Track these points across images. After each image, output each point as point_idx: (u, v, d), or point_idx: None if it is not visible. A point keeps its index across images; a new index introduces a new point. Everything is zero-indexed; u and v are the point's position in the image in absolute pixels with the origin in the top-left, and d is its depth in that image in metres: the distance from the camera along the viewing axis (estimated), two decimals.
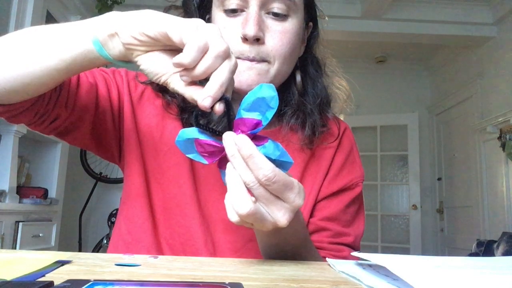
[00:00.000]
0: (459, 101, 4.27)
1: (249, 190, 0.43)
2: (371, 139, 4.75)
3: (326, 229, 0.69)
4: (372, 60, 4.76)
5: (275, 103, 0.45)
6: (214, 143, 0.47)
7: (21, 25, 2.26)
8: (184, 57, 0.42)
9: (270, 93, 0.44)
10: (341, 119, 0.80)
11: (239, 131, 0.45)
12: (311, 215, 0.70)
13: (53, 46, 0.51)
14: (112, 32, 0.47)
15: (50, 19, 2.60)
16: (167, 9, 0.71)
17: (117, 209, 3.12)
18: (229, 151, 0.43)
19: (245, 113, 0.45)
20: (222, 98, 0.44)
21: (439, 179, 4.63)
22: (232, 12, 0.63)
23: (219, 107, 0.44)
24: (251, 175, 0.42)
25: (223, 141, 0.44)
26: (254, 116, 0.45)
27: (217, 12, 0.66)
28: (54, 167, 2.73)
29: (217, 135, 0.47)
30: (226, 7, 0.63)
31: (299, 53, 0.72)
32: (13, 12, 2.22)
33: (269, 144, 0.45)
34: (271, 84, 0.45)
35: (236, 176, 0.43)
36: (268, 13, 0.63)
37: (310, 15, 0.73)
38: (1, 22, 2.17)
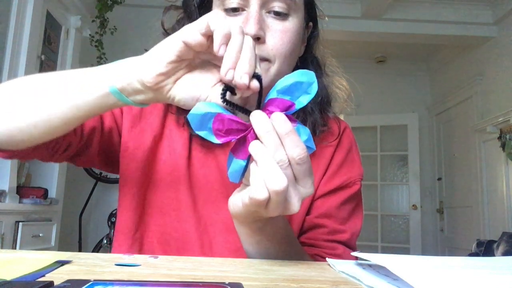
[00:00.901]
0: (459, 101, 4.27)
1: None
2: (371, 139, 4.75)
3: (322, 226, 0.69)
4: (372, 60, 4.77)
5: (313, 90, 0.44)
6: (238, 120, 0.45)
7: (21, 25, 2.26)
8: (218, 37, 0.43)
9: (309, 78, 0.44)
10: (342, 118, 0.80)
11: (267, 111, 0.44)
12: (307, 213, 0.70)
13: (67, 98, 0.51)
14: (131, 81, 0.47)
15: (50, 19, 2.60)
16: (167, 9, 0.70)
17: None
18: (262, 128, 0.42)
19: (279, 95, 0.44)
20: (254, 76, 0.44)
21: (439, 179, 4.63)
22: (233, 11, 0.63)
23: (254, 84, 0.44)
24: (284, 153, 0.42)
25: (252, 118, 0.43)
26: (287, 99, 0.44)
27: (217, 12, 0.65)
28: (54, 167, 2.72)
29: (244, 113, 0.45)
30: (226, 6, 0.63)
31: (300, 52, 0.72)
32: (13, 12, 2.21)
33: (297, 127, 0.44)
34: (312, 72, 0.44)
35: (267, 152, 0.42)
36: (269, 12, 0.63)
37: (310, 15, 0.73)
38: (1, 22, 2.17)
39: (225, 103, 0.44)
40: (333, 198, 0.71)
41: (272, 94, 0.45)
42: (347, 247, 0.69)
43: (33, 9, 2.31)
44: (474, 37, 3.74)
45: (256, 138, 0.43)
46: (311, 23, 0.74)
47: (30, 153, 0.59)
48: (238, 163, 0.46)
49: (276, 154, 0.42)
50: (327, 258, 0.51)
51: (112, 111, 0.70)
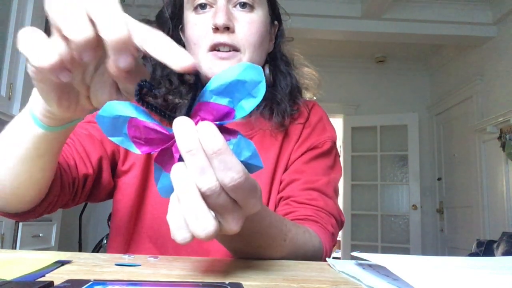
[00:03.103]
0: (459, 101, 4.27)
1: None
2: (371, 139, 4.75)
3: (296, 179, 0.70)
4: (372, 60, 4.77)
5: (259, 92, 0.33)
6: (158, 128, 0.34)
7: (21, 25, 2.26)
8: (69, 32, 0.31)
9: (254, 76, 0.33)
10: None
11: (199, 118, 0.34)
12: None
13: (16, 155, 0.47)
14: (53, 114, 0.41)
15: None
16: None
17: None
18: (185, 144, 0.31)
19: (213, 97, 0.34)
20: (192, 73, 0.33)
21: (439, 179, 4.63)
22: (201, 8, 0.68)
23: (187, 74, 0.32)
24: (213, 179, 0.32)
25: (175, 128, 0.32)
26: (225, 103, 0.34)
27: (188, 14, 0.70)
28: None
29: (166, 118, 0.34)
30: (195, 4, 0.68)
31: (269, 48, 0.75)
32: (13, 12, 2.22)
33: (238, 141, 0.34)
34: (259, 66, 0.34)
35: (190, 181, 0.32)
36: (235, 6, 0.68)
37: (275, 13, 0.77)
38: (1, 22, 2.17)
39: (142, 104, 0.33)
40: (304, 157, 0.73)
41: (206, 96, 0.34)
42: (321, 193, 0.69)
43: (33, 9, 2.31)
44: (474, 37, 3.74)
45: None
46: (276, 22, 0.78)
47: (54, 205, 0.58)
48: (167, 177, 0.36)
49: (202, 181, 0.32)
50: (327, 258, 0.51)
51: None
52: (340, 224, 0.71)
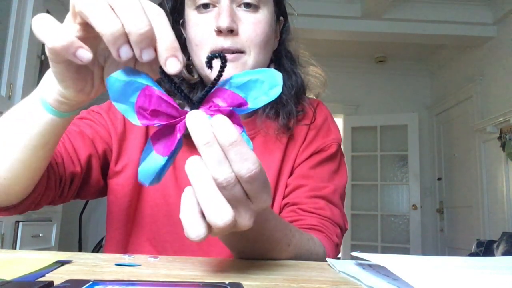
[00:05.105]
0: (459, 101, 4.27)
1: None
2: (371, 139, 4.75)
3: (302, 185, 0.69)
4: (372, 60, 4.76)
5: (275, 94, 0.36)
6: (170, 101, 0.35)
7: (21, 25, 2.26)
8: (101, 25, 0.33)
9: (274, 80, 0.36)
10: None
11: (211, 104, 0.36)
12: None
13: (22, 141, 0.46)
14: (67, 99, 0.42)
15: None
16: None
17: None
18: (202, 136, 0.33)
19: (232, 87, 0.36)
20: (219, 55, 0.35)
21: (439, 179, 4.63)
22: (204, 7, 0.65)
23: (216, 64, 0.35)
24: (229, 171, 0.33)
25: (189, 122, 0.33)
26: (241, 95, 0.36)
27: (190, 12, 0.67)
28: None
29: (185, 99, 0.36)
30: (197, 3, 0.65)
31: (274, 46, 0.73)
32: (13, 12, 2.21)
33: (243, 135, 0.35)
34: (280, 73, 0.37)
35: (206, 175, 0.33)
36: (239, 6, 0.65)
37: (280, 10, 0.75)
38: (1, 22, 2.17)
39: (166, 79, 0.35)
40: (310, 161, 0.72)
41: (226, 84, 0.36)
42: (328, 201, 0.69)
43: (33, 9, 2.31)
44: (474, 37, 3.74)
45: (187, 131, 0.34)
46: (282, 18, 0.76)
47: (38, 202, 0.57)
48: (155, 159, 0.35)
49: (219, 172, 0.33)
50: (327, 258, 0.51)
51: (99, 134, 0.68)
52: (344, 232, 0.71)
